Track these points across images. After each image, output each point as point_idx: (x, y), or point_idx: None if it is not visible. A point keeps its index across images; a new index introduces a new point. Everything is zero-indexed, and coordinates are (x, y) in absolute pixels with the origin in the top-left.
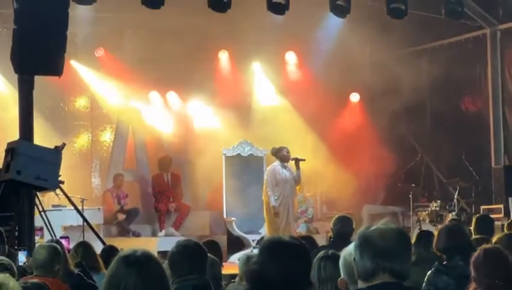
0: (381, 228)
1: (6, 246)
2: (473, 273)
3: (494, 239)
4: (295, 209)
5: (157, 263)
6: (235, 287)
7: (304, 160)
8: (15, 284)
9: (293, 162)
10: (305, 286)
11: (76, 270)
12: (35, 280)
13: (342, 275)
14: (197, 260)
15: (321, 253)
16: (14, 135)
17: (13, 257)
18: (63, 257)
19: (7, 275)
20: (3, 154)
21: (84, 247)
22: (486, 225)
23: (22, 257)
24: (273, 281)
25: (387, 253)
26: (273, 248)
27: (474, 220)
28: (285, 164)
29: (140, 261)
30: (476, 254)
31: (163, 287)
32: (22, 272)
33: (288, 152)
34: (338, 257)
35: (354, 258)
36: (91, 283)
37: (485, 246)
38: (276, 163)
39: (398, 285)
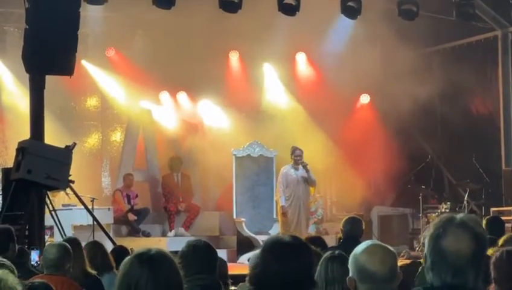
0: (457, 237)
1: (16, 245)
2: (493, 274)
3: (501, 241)
4: (308, 211)
5: (171, 262)
6: (243, 288)
7: (306, 164)
8: (14, 280)
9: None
10: (309, 285)
11: (93, 272)
12: (40, 280)
13: (351, 274)
14: (207, 260)
15: (328, 253)
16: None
17: (25, 256)
18: (80, 256)
19: (6, 271)
20: (14, 153)
21: (95, 246)
22: (497, 227)
23: (34, 256)
24: (275, 281)
25: (460, 272)
26: (273, 249)
27: (484, 221)
28: (299, 165)
29: (154, 260)
30: (497, 255)
31: (176, 286)
32: (33, 271)
33: (297, 155)
34: (345, 258)
35: (425, 256)
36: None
37: (507, 247)
38: (290, 164)
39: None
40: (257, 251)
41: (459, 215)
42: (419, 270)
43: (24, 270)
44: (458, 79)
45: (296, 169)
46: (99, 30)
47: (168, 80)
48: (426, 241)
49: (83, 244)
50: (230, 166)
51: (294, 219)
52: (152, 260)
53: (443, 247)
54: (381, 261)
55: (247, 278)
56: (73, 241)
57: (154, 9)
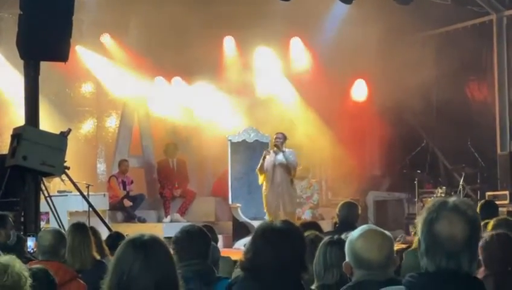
0: (450, 221)
1: (11, 231)
2: (482, 257)
3: (489, 226)
4: (291, 197)
5: (164, 248)
6: (236, 274)
7: (276, 146)
8: (21, 265)
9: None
10: (300, 269)
11: (98, 256)
12: (39, 265)
13: (347, 259)
14: (200, 246)
15: (326, 239)
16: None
17: (21, 242)
18: (90, 241)
19: (13, 256)
20: (9, 139)
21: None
22: (490, 211)
23: (30, 243)
24: (266, 266)
25: (454, 257)
26: (264, 234)
27: (479, 205)
28: (282, 149)
29: (147, 245)
30: (487, 238)
31: (169, 271)
32: (30, 258)
33: (275, 138)
34: (343, 243)
35: (419, 240)
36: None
37: (496, 231)
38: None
39: (455, 274)
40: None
41: (452, 199)
42: (405, 254)
43: (20, 256)
44: (454, 63)
45: (276, 153)
46: (94, 16)
47: (163, 66)
48: (419, 226)
49: None
50: (225, 151)
51: (273, 205)
52: (145, 246)
53: (436, 231)
54: (378, 248)
55: (238, 263)
56: (83, 226)
57: None
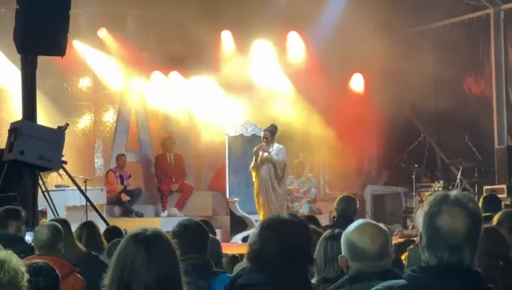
0: (452, 214)
1: (22, 226)
2: None
3: (495, 220)
4: (277, 194)
5: (166, 242)
6: (242, 266)
7: (261, 147)
8: (18, 261)
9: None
10: (306, 262)
11: (83, 248)
12: (42, 260)
13: (343, 253)
14: (198, 239)
15: (327, 232)
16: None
17: (23, 232)
18: (69, 235)
19: (10, 251)
20: (7, 134)
21: (88, 227)
22: (493, 205)
23: (28, 238)
24: (273, 258)
25: (456, 250)
26: (271, 226)
27: (481, 199)
28: (267, 150)
29: (149, 240)
30: None
31: (172, 266)
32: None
33: (263, 136)
34: None
35: (421, 234)
36: (100, 259)
37: (485, 225)
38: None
39: (457, 268)
40: (255, 229)
41: (453, 193)
42: (409, 250)
43: (24, 245)
44: (451, 57)
45: (263, 151)
46: (91, 10)
47: (160, 60)
48: (421, 219)
49: (76, 225)
50: (223, 146)
51: (261, 199)
52: (148, 240)
53: (438, 225)
54: (371, 239)
55: (245, 255)
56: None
57: None
